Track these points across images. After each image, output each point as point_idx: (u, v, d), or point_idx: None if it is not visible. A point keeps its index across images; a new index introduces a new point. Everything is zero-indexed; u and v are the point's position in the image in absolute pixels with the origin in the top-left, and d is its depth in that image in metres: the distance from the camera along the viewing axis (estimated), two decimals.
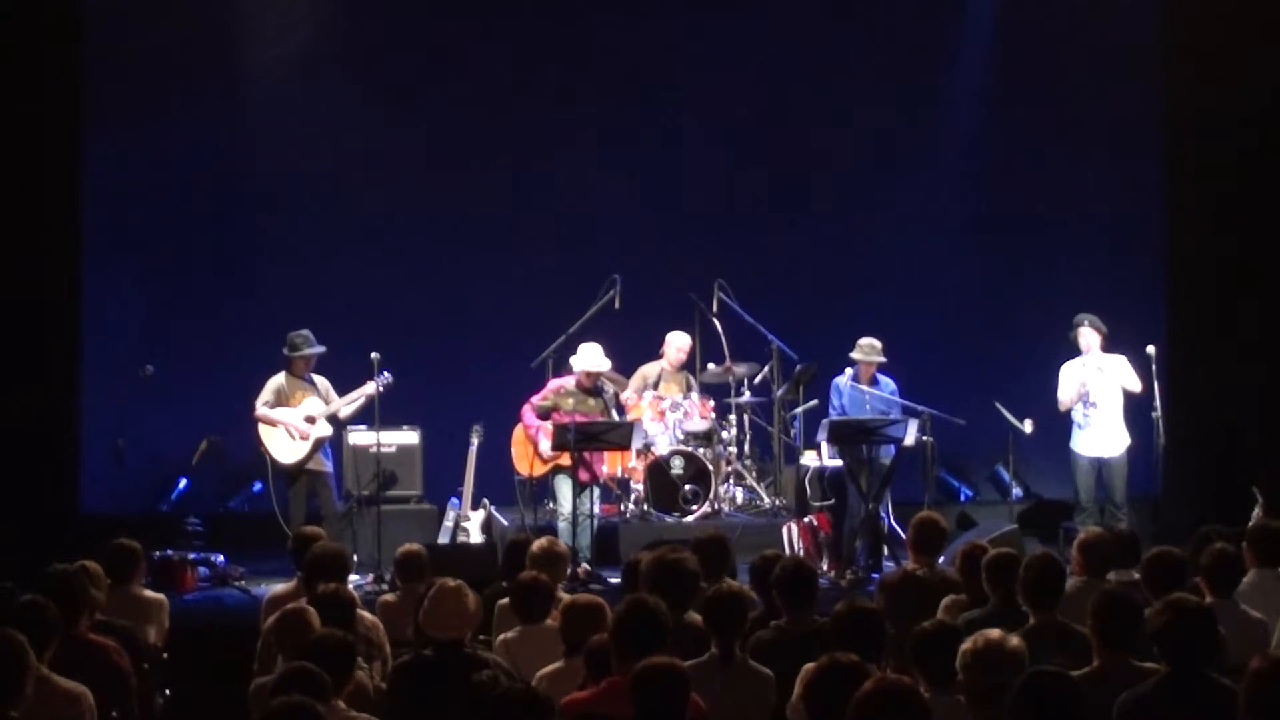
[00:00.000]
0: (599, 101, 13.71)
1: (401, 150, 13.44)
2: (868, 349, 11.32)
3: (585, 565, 10.54)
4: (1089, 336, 11.44)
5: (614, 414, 11.23)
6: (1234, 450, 12.48)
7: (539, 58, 13.62)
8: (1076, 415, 11.49)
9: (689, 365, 12.35)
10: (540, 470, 11.13)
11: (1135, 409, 11.50)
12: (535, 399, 11.20)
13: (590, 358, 11.14)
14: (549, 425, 10.96)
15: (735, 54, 13.70)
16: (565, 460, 10.86)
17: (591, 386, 11.14)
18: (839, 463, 10.91)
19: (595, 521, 10.83)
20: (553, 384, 11.26)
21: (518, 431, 11.37)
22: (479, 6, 13.73)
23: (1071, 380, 11.46)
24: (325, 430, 10.99)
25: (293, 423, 10.89)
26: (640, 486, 11.68)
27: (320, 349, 11.07)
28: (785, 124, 13.81)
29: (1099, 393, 11.41)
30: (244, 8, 13.27)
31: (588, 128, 13.68)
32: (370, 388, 10.89)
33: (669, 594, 6.19)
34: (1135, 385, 11.40)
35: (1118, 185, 13.66)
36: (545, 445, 10.98)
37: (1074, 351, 11.51)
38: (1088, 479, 11.46)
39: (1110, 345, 11.50)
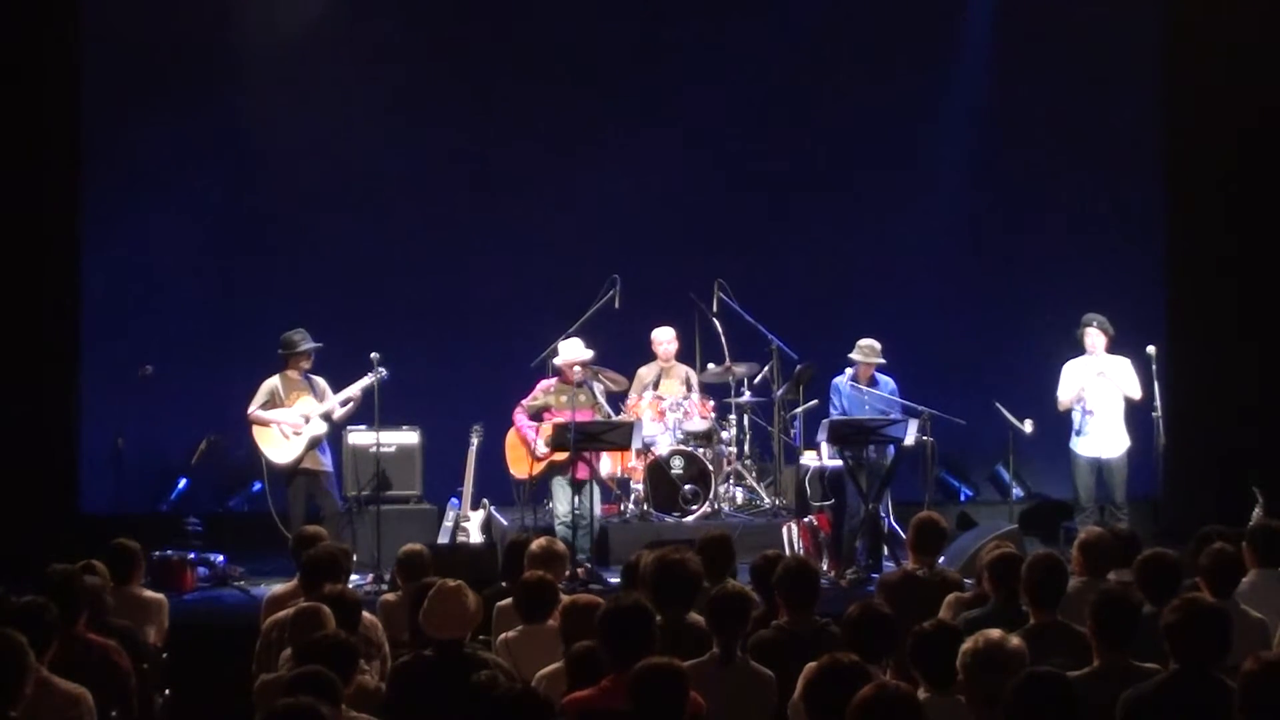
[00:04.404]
0: (599, 102, 13.71)
1: (401, 151, 13.44)
2: (867, 350, 11.30)
3: (585, 565, 10.54)
4: (1095, 338, 11.42)
5: (604, 405, 11.23)
6: (1234, 450, 12.48)
7: (539, 57, 13.62)
8: (1075, 419, 11.48)
9: (690, 363, 12.36)
10: (536, 471, 11.11)
11: (1135, 409, 11.48)
12: (525, 401, 11.21)
13: (571, 349, 11.16)
14: (544, 426, 10.96)
15: (735, 55, 13.70)
16: (560, 457, 10.85)
17: (578, 381, 11.13)
18: (839, 463, 10.90)
19: (595, 522, 10.82)
20: (540, 385, 11.26)
21: (511, 435, 11.37)
22: (481, 6, 13.73)
23: (1072, 381, 11.44)
24: (319, 428, 10.92)
25: (285, 420, 10.87)
26: (640, 486, 11.68)
27: (316, 345, 11.06)
28: (786, 124, 13.82)
29: (1097, 398, 11.39)
30: (245, 6, 13.28)
31: (588, 128, 13.68)
32: (367, 380, 10.87)
33: (672, 595, 6.18)
34: (1136, 392, 11.37)
35: (1118, 185, 13.66)
36: (540, 445, 10.97)
37: (1079, 350, 11.50)
38: (1087, 479, 11.45)
39: (1112, 346, 11.50)
